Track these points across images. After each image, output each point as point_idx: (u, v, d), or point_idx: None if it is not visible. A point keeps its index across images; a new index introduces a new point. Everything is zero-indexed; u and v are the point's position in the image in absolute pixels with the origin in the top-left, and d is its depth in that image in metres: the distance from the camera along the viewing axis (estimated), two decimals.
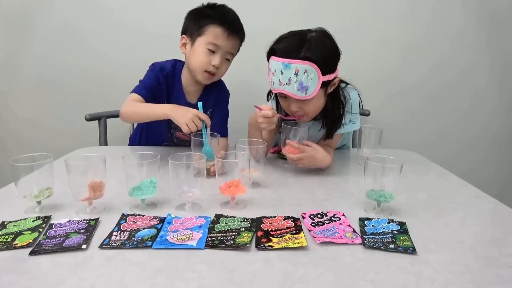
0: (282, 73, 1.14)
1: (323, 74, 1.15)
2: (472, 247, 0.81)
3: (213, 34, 1.28)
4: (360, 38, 1.97)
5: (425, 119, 2.13)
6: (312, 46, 1.14)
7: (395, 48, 2.01)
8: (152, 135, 1.54)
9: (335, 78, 1.23)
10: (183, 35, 1.36)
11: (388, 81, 2.06)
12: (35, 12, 1.89)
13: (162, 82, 1.37)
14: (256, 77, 1.78)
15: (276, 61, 1.16)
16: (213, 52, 1.30)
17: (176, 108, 1.19)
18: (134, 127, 1.75)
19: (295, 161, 1.20)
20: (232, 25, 1.31)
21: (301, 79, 1.13)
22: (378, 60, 2.02)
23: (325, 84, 1.19)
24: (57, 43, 1.93)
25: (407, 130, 2.13)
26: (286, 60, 1.13)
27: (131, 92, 1.33)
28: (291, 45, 1.15)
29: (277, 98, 1.33)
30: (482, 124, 2.15)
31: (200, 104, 1.21)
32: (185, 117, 1.13)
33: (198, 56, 1.31)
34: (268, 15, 1.91)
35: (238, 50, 1.40)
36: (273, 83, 1.20)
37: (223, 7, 1.36)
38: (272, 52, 1.19)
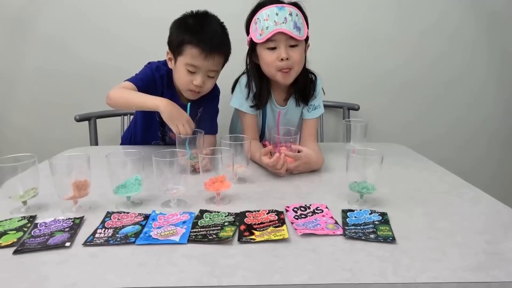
0: (277, 14, 1.22)
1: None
2: (450, 235, 0.82)
3: (190, 55, 1.25)
4: (357, 35, 1.98)
5: (424, 116, 2.13)
6: (294, 2, 1.29)
7: (392, 45, 2.01)
8: (143, 133, 1.54)
9: (308, 42, 1.34)
10: (168, 50, 1.33)
11: (386, 77, 2.06)
12: (27, 19, 1.89)
13: (157, 82, 1.37)
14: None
15: (268, 8, 1.24)
16: (193, 72, 1.28)
17: (171, 106, 1.18)
18: (125, 127, 1.77)
19: (291, 170, 1.18)
20: (208, 45, 1.24)
21: (295, 19, 1.23)
22: (374, 57, 2.02)
23: (305, 39, 1.29)
24: (46, 46, 1.93)
25: (404, 127, 2.14)
26: (279, 5, 1.24)
27: (124, 81, 1.31)
28: None
29: (254, 74, 1.35)
30: (481, 121, 2.15)
31: (188, 105, 1.23)
32: (177, 119, 1.16)
33: (180, 75, 1.30)
34: None
35: (223, 65, 1.36)
36: (266, 28, 1.22)
37: (203, 19, 1.29)
38: (260, 6, 1.27)
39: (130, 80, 1.32)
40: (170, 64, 1.35)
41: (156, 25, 1.82)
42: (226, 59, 1.35)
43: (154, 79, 1.37)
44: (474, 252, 0.75)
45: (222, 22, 1.34)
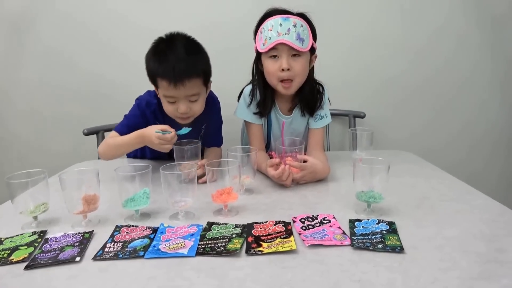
0: (281, 25, 1.23)
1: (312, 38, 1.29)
2: (460, 243, 0.81)
3: (162, 87, 1.20)
4: (362, 42, 1.99)
5: (430, 122, 2.12)
6: (301, 13, 1.29)
7: (397, 51, 2.00)
8: (149, 150, 1.54)
9: (315, 53, 1.35)
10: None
11: (391, 85, 2.05)
12: (30, 28, 1.93)
13: (149, 118, 1.34)
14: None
15: (273, 18, 1.26)
16: (174, 102, 1.23)
17: (143, 135, 1.20)
18: None
19: (297, 180, 1.19)
20: (172, 74, 1.16)
21: (299, 31, 1.24)
22: (379, 65, 2.02)
23: (311, 50, 1.30)
24: (51, 60, 1.97)
25: (411, 133, 2.13)
26: (285, 15, 1.25)
27: (113, 130, 1.32)
28: (286, 9, 1.29)
29: (259, 81, 1.36)
30: (487, 125, 2.13)
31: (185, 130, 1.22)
32: (154, 144, 1.18)
33: (165, 106, 1.27)
34: None
35: (206, 82, 1.28)
36: (269, 38, 1.24)
37: (167, 46, 1.22)
38: (267, 16, 1.29)
39: (117, 129, 1.31)
40: (158, 94, 1.30)
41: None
42: (205, 78, 1.27)
43: (146, 117, 1.33)
44: (485, 261, 0.74)
45: (192, 40, 1.27)
